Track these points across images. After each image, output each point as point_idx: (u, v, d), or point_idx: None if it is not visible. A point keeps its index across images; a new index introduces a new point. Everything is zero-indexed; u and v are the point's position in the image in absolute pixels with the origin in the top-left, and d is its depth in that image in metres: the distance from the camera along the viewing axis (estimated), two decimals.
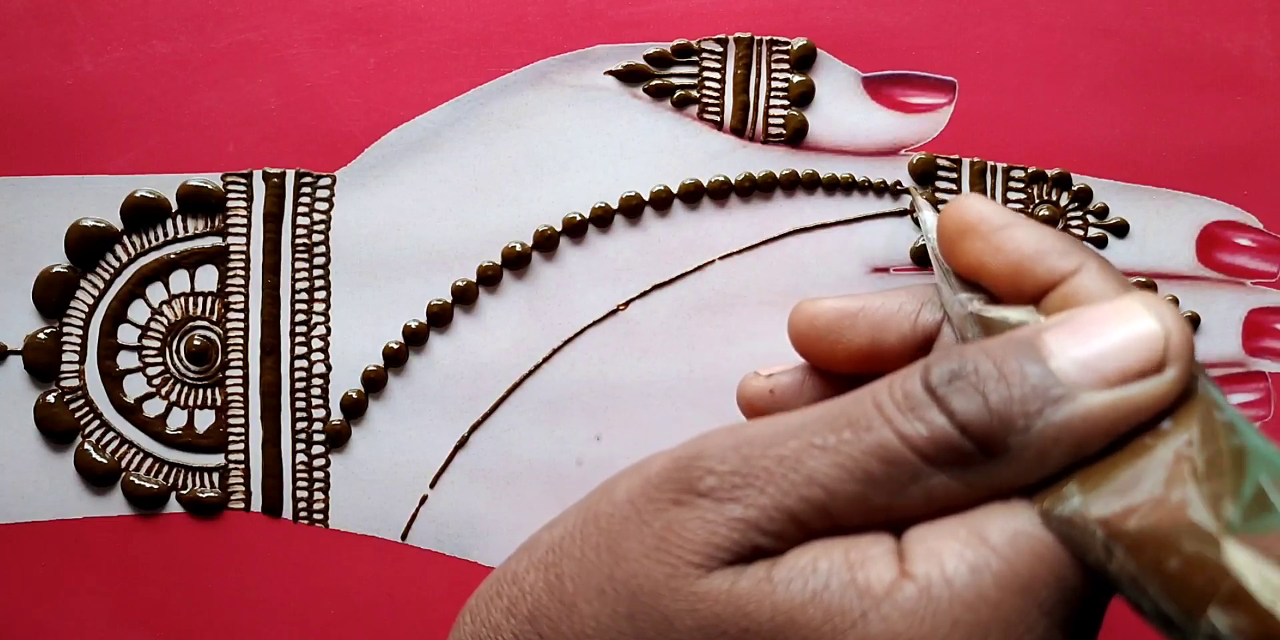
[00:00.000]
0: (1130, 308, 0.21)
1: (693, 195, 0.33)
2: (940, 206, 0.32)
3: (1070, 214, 0.34)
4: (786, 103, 0.33)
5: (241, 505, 0.32)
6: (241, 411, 0.32)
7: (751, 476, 0.21)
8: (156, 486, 0.32)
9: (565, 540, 0.23)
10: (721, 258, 0.33)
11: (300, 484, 0.32)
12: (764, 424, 0.22)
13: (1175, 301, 0.33)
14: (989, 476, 0.20)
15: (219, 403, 0.33)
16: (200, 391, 0.33)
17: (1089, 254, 0.23)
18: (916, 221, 0.33)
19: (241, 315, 0.33)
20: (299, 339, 0.33)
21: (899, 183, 0.33)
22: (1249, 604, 0.17)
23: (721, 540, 0.21)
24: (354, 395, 0.32)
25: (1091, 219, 0.34)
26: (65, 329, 0.32)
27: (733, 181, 0.33)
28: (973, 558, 0.20)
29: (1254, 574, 0.17)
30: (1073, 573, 0.20)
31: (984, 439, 0.20)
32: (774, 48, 0.33)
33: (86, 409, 0.32)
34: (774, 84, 0.33)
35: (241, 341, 0.33)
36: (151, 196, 0.32)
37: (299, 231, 0.33)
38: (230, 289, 0.33)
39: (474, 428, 0.32)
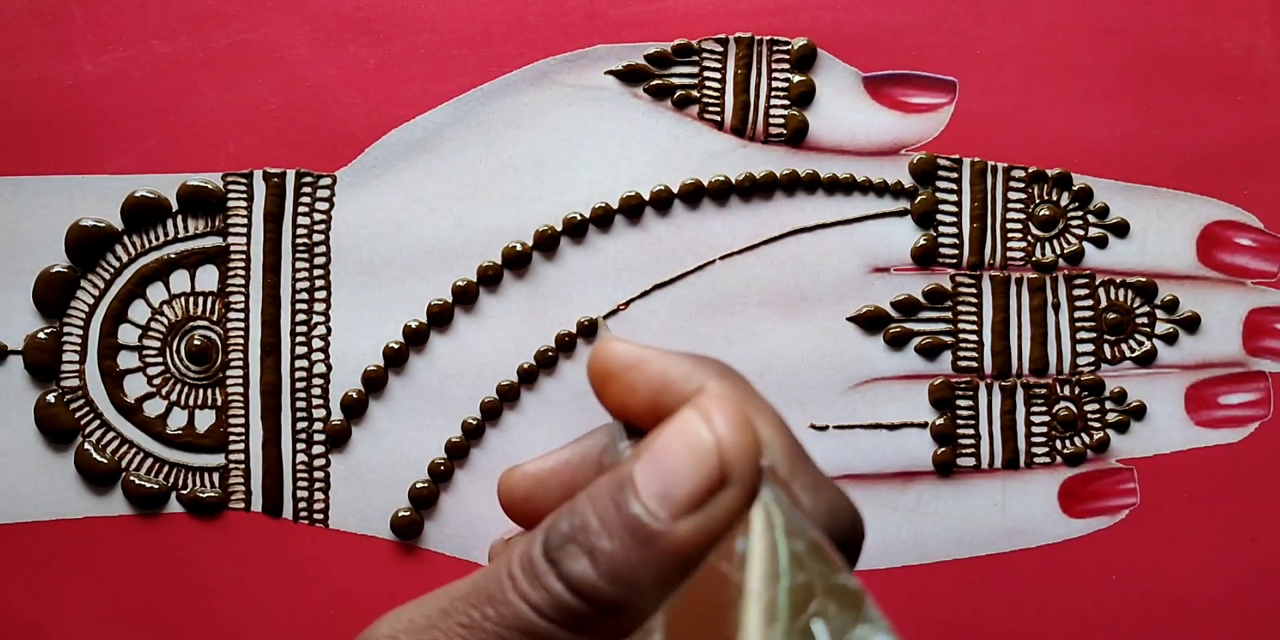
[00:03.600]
0: (688, 422, 0.21)
1: (693, 195, 0.33)
2: None
3: (1070, 214, 0.34)
4: (787, 102, 0.33)
5: (241, 505, 0.32)
6: (242, 411, 0.32)
7: None
8: (156, 486, 0.32)
9: None
10: (722, 258, 0.33)
11: (300, 484, 0.32)
12: (423, 604, 0.22)
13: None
14: (618, 628, 0.20)
15: (219, 402, 0.33)
16: (200, 391, 0.33)
17: (713, 372, 0.22)
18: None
19: (242, 315, 0.33)
20: (299, 339, 0.33)
21: (900, 183, 0.33)
22: None
23: None
24: (354, 395, 0.32)
25: (1091, 219, 0.34)
26: (65, 329, 0.32)
27: (733, 181, 0.33)
28: None
29: None
30: None
31: (598, 600, 0.20)
32: (774, 48, 0.33)
33: (87, 409, 0.32)
34: (774, 84, 0.33)
35: (242, 341, 0.33)
36: (151, 196, 0.32)
37: (299, 231, 0.33)
38: (230, 289, 0.33)
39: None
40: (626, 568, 0.20)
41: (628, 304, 0.33)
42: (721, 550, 0.19)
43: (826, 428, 0.33)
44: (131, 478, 0.32)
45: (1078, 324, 0.34)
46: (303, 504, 0.32)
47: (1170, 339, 0.34)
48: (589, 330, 0.33)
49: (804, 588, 0.19)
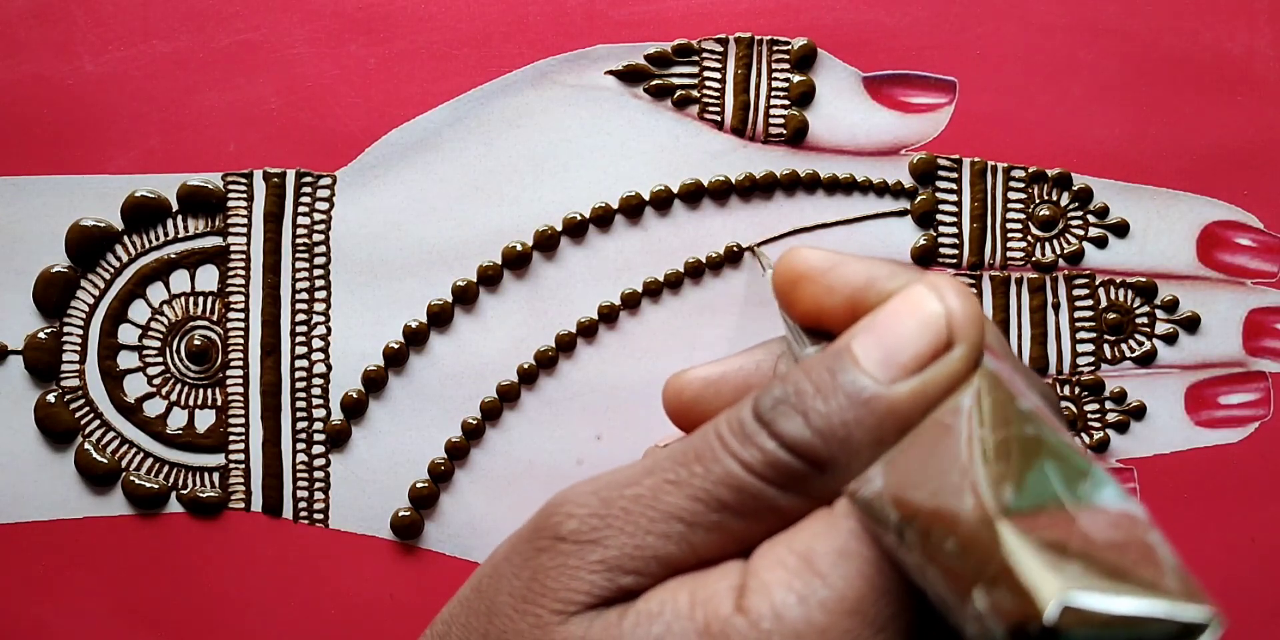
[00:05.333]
0: (915, 293, 0.21)
1: (693, 195, 0.33)
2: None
3: (1070, 214, 0.34)
4: (787, 102, 0.33)
5: (241, 505, 0.32)
6: (242, 411, 0.32)
7: (610, 517, 0.21)
8: (156, 486, 0.32)
9: (454, 607, 0.23)
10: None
11: (300, 484, 0.32)
12: (622, 469, 0.22)
13: (1174, 301, 0.33)
14: (827, 487, 0.21)
15: (219, 402, 0.33)
16: (200, 391, 0.33)
17: (917, 273, 0.23)
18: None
19: (242, 315, 0.33)
20: (299, 339, 0.33)
21: (900, 183, 0.33)
22: (1012, 583, 0.17)
23: (582, 584, 0.21)
24: (354, 395, 0.32)
25: (1091, 219, 0.34)
26: (65, 329, 0.32)
27: (733, 181, 0.33)
28: (800, 587, 0.20)
29: (1021, 554, 0.17)
30: (898, 585, 0.20)
31: (811, 456, 0.20)
32: (774, 48, 0.33)
33: (87, 409, 0.32)
34: (774, 84, 0.33)
35: (242, 341, 0.33)
36: (151, 196, 0.32)
37: (299, 231, 0.33)
38: (231, 289, 0.33)
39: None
40: (841, 426, 0.20)
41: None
42: (946, 406, 0.20)
43: None
44: (131, 478, 0.32)
45: (1078, 324, 0.34)
46: (303, 504, 0.32)
47: (1170, 339, 0.34)
48: (589, 330, 0.33)
49: (1034, 439, 0.19)
